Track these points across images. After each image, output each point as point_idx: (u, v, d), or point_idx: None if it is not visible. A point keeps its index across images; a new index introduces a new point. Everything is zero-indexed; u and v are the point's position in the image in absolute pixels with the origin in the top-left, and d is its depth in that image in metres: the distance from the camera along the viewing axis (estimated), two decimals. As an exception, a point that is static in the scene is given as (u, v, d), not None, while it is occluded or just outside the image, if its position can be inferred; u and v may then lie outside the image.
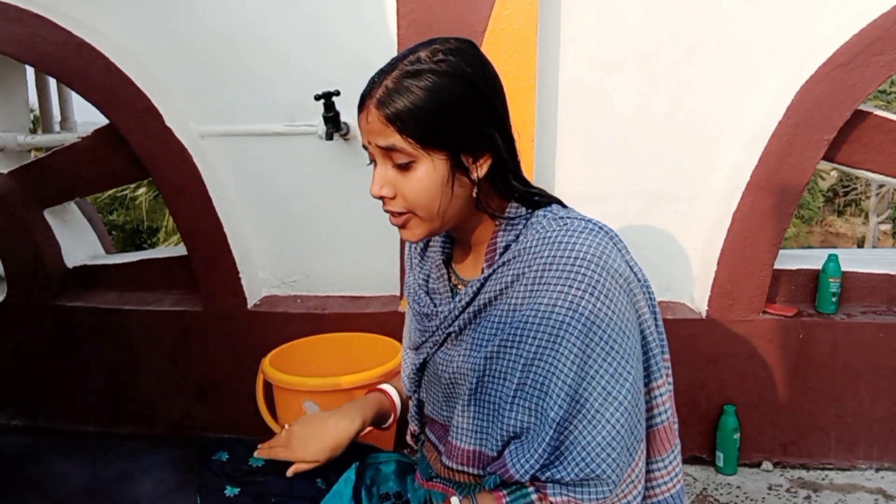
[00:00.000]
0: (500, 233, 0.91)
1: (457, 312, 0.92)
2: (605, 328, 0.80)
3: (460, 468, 0.91)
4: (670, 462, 0.91)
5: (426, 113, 0.81)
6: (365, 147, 0.89)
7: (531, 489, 0.84)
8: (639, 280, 0.87)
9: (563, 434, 0.81)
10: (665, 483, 0.91)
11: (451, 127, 0.83)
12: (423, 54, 0.83)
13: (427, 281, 1.03)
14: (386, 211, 0.90)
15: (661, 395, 0.89)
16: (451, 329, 0.93)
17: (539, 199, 0.93)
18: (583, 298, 0.80)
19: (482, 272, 0.92)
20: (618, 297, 0.82)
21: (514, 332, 0.84)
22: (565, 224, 0.86)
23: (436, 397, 0.99)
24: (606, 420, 0.80)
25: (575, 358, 0.80)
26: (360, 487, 1.03)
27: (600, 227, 0.86)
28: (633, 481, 0.84)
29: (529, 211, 0.92)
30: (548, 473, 0.82)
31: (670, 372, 0.92)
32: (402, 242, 2.06)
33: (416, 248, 1.08)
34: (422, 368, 1.01)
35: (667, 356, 0.92)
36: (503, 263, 0.88)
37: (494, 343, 0.86)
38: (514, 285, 0.86)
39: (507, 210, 0.91)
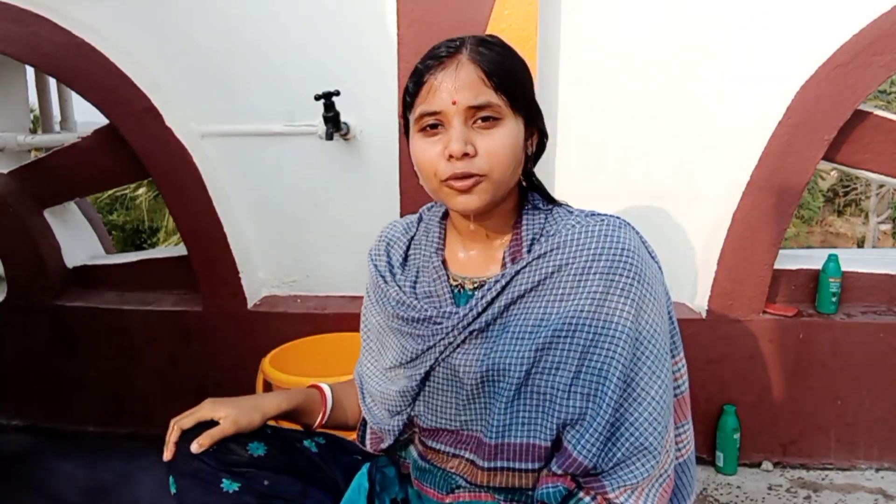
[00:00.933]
0: (524, 226, 0.94)
1: (480, 308, 0.90)
2: (651, 311, 0.87)
3: (509, 465, 0.89)
4: (687, 429, 0.99)
5: (515, 73, 0.88)
6: (430, 114, 0.86)
7: (587, 498, 0.86)
8: (659, 267, 0.95)
9: (616, 413, 0.85)
10: (684, 447, 0.99)
11: (528, 92, 0.90)
12: (480, 36, 0.89)
13: (415, 286, 1.00)
14: (456, 177, 0.85)
15: (681, 367, 0.97)
16: (475, 326, 0.91)
17: (551, 196, 0.98)
18: (632, 286, 0.86)
19: (504, 266, 0.93)
20: (655, 284, 0.89)
21: (567, 321, 0.86)
22: (602, 220, 0.91)
23: (447, 403, 0.94)
24: (652, 397, 0.85)
25: (629, 340, 0.85)
26: (372, 495, 1.00)
27: (627, 223, 0.92)
28: (667, 450, 0.89)
29: (548, 205, 0.96)
30: (601, 454, 0.85)
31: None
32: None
33: (391, 259, 1.04)
34: (423, 380, 0.96)
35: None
36: (540, 255, 0.90)
37: (545, 334, 0.86)
38: (556, 276, 0.88)
39: (532, 200, 0.96)
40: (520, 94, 0.88)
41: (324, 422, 1.08)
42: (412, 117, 0.90)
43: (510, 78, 0.86)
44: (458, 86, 0.84)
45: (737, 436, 2.03)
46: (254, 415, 0.98)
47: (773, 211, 1.99)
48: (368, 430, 1.09)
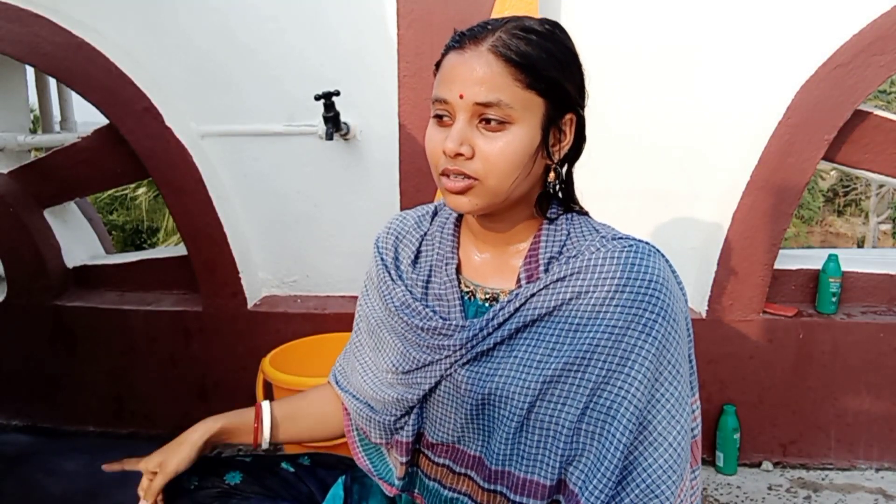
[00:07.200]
0: (544, 239, 0.87)
1: (490, 329, 0.85)
2: (673, 352, 0.81)
3: (508, 495, 0.84)
4: (696, 478, 0.90)
5: (546, 69, 0.80)
6: (439, 101, 0.81)
7: None
8: (685, 299, 0.88)
9: (628, 457, 0.79)
10: (692, 495, 0.90)
11: (564, 85, 0.81)
12: (527, 22, 0.83)
13: (426, 286, 0.93)
14: (447, 172, 0.81)
15: (696, 409, 0.89)
16: (482, 347, 0.85)
17: (573, 205, 0.91)
18: (656, 322, 0.79)
19: (518, 283, 0.87)
20: (681, 320, 0.83)
21: (580, 353, 0.80)
22: (630, 245, 0.83)
23: (446, 418, 0.89)
24: (669, 443, 0.79)
25: (645, 381, 0.79)
26: None
27: (657, 250, 0.85)
28: (681, 500, 0.83)
29: (568, 216, 0.89)
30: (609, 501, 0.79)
31: None
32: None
33: (399, 255, 0.98)
34: (426, 395, 0.91)
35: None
36: (559, 279, 0.83)
37: (555, 365, 0.81)
38: (574, 303, 0.82)
39: (550, 211, 0.88)
40: (549, 90, 0.80)
41: (262, 440, 1.02)
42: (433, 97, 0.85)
43: (537, 74, 0.78)
44: (470, 78, 0.78)
45: (737, 436, 2.03)
46: (181, 450, 0.96)
47: (773, 211, 1.99)
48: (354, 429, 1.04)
